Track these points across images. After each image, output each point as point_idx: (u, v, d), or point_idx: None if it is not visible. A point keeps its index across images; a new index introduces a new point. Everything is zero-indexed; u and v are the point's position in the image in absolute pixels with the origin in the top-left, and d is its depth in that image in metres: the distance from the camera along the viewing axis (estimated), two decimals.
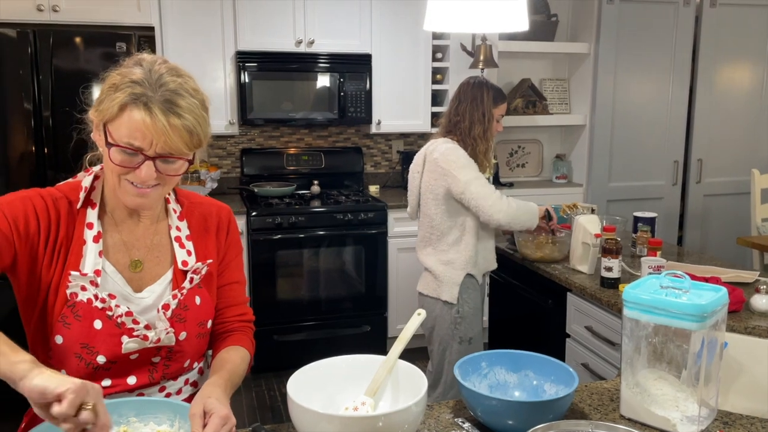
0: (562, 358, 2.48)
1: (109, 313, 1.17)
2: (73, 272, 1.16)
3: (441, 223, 2.48)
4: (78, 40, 3.07)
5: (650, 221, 2.68)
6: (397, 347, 1.25)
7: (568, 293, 2.46)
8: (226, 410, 1.07)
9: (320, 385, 1.22)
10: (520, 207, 2.44)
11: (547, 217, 2.55)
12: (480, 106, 2.47)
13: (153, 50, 3.35)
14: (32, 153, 3.06)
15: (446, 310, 2.50)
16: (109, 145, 1.10)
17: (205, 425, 1.04)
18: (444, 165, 2.41)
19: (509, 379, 1.35)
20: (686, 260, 2.57)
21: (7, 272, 1.17)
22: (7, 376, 0.94)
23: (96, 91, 1.18)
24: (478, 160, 2.47)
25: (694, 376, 1.20)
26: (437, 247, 2.51)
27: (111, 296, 1.18)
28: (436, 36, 4.01)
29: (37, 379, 0.90)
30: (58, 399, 0.89)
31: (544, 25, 4.24)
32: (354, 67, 3.82)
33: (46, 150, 3.07)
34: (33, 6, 3.19)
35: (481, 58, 3.69)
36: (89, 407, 0.90)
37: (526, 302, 2.78)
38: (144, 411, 1.12)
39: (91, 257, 1.18)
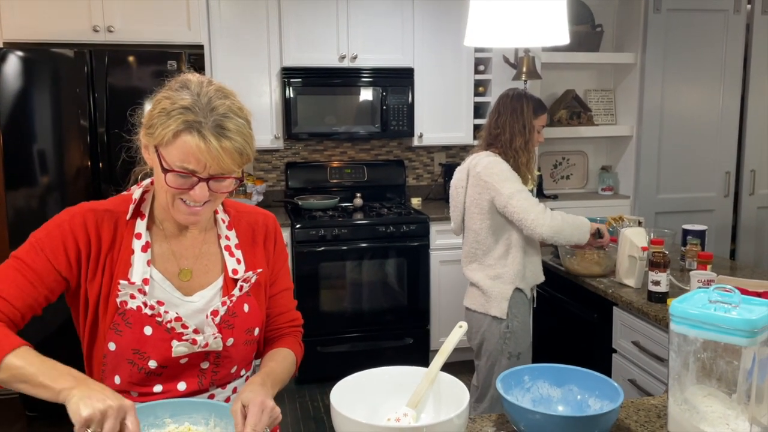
0: (609, 374, 2.43)
1: (159, 320, 1.21)
2: (121, 281, 1.20)
3: (487, 237, 2.46)
4: (131, 59, 3.20)
5: (700, 234, 2.61)
6: (439, 359, 1.25)
7: (615, 307, 2.41)
8: (260, 398, 1.11)
9: (363, 396, 1.23)
10: (567, 221, 2.37)
11: (596, 234, 2.49)
12: (520, 118, 2.45)
13: (202, 67, 3.46)
14: (87, 168, 3.19)
15: (495, 325, 2.47)
16: (164, 170, 1.15)
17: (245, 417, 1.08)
18: (487, 178, 2.40)
19: (553, 393, 1.33)
20: (738, 274, 2.49)
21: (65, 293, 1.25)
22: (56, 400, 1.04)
23: (143, 112, 1.22)
24: (520, 172, 2.44)
25: (745, 394, 1.16)
26: (483, 262, 2.50)
27: (159, 303, 1.22)
28: (478, 48, 4.02)
29: (70, 408, 1.00)
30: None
31: (588, 36, 4.20)
32: (396, 80, 3.86)
33: (100, 165, 3.20)
34: (89, 27, 3.34)
35: (524, 69, 3.68)
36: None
37: (570, 316, 2.74)
38: (179, 412, 1.15)
39: (139, 266, 1.22)
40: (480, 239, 2.49)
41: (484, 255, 2.49)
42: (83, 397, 1.00)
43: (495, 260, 2.47)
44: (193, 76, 1.20)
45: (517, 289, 2.46)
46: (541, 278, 2.58)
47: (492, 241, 2.46)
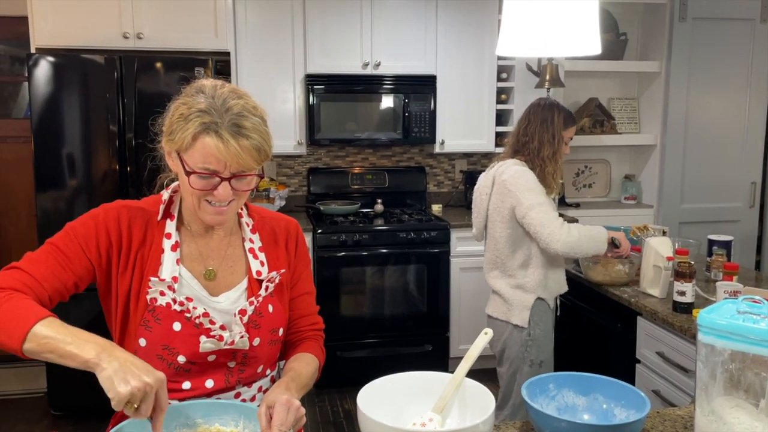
0: (632, 384, 2.41)
1: (187, 315, 1.25)
2: (152, 278, 1.24)
3: (507, 246, 2.45)
4: (159, 65, 3.26)
5: (726, 245, 2.58)
6: (464, 365, 1.26)
7: (639, 317, 2.39)
8: (285, 397, 1.14)
9: (388, 400, 1.24)
10: (584, 235, 2.34)
11: (613, 244, 2.48)
12: (550, 128, 2.44)
13: (228, 74, 3.51)
14: (116, 172, 3.25)
15: (517, 333, 2.46)
16: (187, 173, 1.18)
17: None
18: (512, 187, 2.39)
19: (578, 401, 1.33)
20: (764, 285, 2.46)
21: (97, 286, 1.28)
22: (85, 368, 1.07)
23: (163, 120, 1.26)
24: (546, 182, 2.43)
25: None
26: (505, 271, 2.49)
27: (188, 299, 1.26)
28: (501, 56, 4.02)
29: (102, 378, 1.03)
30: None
31: (613, 44, 4.18)
32: (419, 88, 3.88)
33: (128, 169, 3.26)
34: (119, 34, 3.40)
35: (547, 77, 3.67)
36: (135, 406, 1.02)
37: (594, 326, 2.72)
38: (210, 413, 1.18)
39: (168, 264, 1.26)
40: (500, 247, 2.48)
41: (505, 263, 2.48)
42: (117, 371, 1.02)
43: (516, 269, 2.46)
44: (207, 81, 1.24)
45: (539, 299, 2.45)
46: (565, 288, 2.56)
47: (512, 251, 2.45)
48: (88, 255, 1.23)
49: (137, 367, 1.03)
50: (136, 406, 1.02)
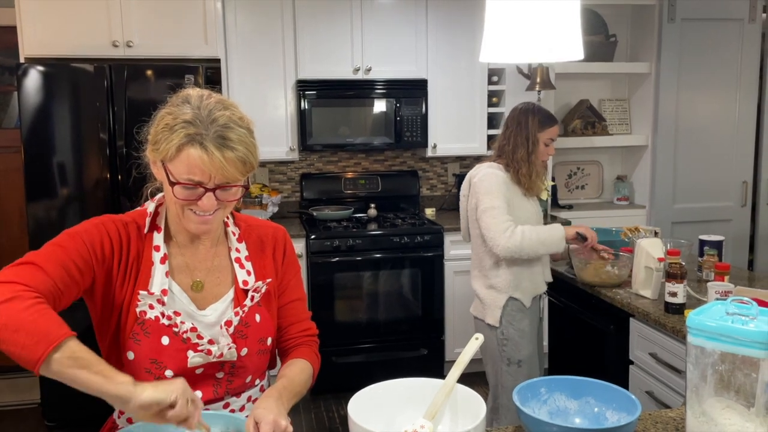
0: (626, 386, 2.41)
1: (175, 330, 1.24)
2: (141, 291, 1.24)
3: (479, 246, 2.54)
4: (149, 73, 3.25)
5: (717, 244, 2.59)
6: (455, 371, 1.26)
7: (631, 318, 2.40)
8: (272, 416, 1.12)
9: (380, 407, 1.24)
10: (530, 239, 2.37)
11: (579, 238, 2.51)
12: (524, 131, 2.51)
13: (219, 81, 3.51)
14: (106, 180, 3.24)
15: (491, 332, 2.53)
16: (172, 183, 1.17)
17: None
18: (477, 188, 2.48)
19: (570, 405, 1.33)
20: (757, 285, 2.47)
21: (85, 296, 1.25)
22: (114, 398, 1.05)
23: (149, 129, 1.25)
24: (521, 183, 2.49)
25: (763, 406, 1.16)
26: (482, 270, 2.56)
27: (176, 314, 1.25)
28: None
29: (146, 394, 1.03)
30: (172, 405, 1.04)
31: (602, 46, 4.20)
32: (410, 92, 3.88)
33: (119, 177, 3.24)
34: (109, 42, 3.40)
35: (538, 80, 3.68)
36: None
37: (586, 327, 2.73)
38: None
39: (158, 277, 1.26)
40: (475, 248, 2.57)
41: (480, 263, 2.56)
42: (155, 386, 1.05)
43: (488, 269, 2.52)
44: (193, 91, 1.23)
45: (513, 298, 2.49)
46: (543, 288, 2.61)
47: (484, 250, 2.52)
48: (92, 252, 1.20)
49: (167, 383, 1.07)
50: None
